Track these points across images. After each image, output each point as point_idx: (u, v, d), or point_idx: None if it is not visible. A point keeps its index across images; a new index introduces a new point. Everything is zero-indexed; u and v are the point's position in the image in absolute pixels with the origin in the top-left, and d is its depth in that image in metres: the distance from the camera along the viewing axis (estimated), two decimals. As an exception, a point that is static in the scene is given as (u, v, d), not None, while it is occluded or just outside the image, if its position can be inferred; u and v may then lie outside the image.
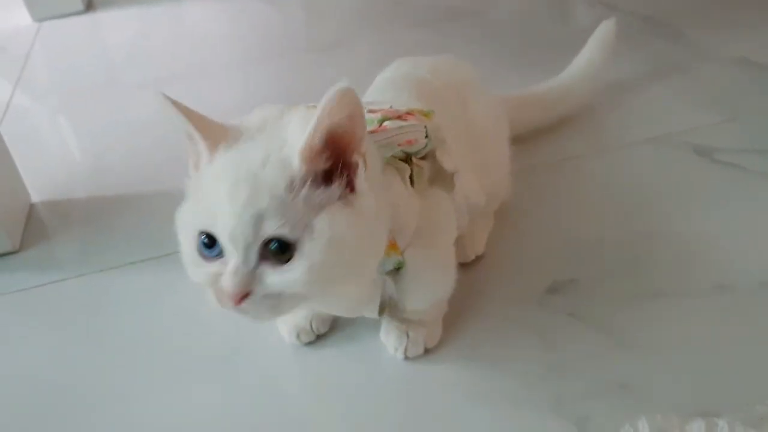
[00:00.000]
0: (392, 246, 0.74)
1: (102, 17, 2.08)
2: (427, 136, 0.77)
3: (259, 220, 0.62)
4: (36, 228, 1.17)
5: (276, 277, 0.64)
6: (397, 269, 0.76)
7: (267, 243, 0.63)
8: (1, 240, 1.10)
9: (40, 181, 1.28)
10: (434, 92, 0.91)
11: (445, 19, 1.69)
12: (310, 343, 0.87)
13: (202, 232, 0.66)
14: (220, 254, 0.65)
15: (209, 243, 0.65)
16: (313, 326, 0.86)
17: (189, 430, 0.80)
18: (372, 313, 0.80)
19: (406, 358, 0.83)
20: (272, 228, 0.62)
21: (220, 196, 0.64)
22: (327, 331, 0.88)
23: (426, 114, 0.81)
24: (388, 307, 0.81)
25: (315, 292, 0.66)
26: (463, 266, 0.90)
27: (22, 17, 2.05)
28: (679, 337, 0.83)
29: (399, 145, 0.75)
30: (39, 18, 2.04)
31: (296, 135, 0.65)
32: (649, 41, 1.52)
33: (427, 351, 0.84)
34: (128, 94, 1.58)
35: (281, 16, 1.90)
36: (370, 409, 0.79)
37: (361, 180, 0.66)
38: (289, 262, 0.64)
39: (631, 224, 1.01)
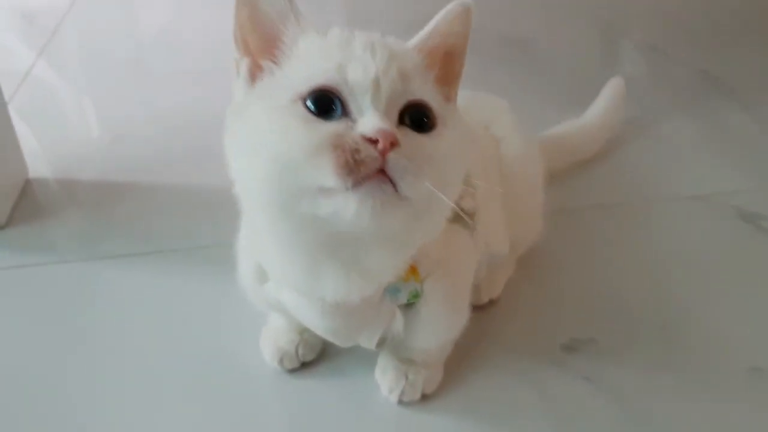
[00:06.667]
0: (413, 270, 0.67)
1: (138, -3, 2.03)
2: None
3: (405, 78, 0.58)
4: (29, 205, 1.10)
5: (423, 139, 0.58)
6: (410, 304, 0.70)
7: (405, 110, 0.58)
8: (-15, 211, 1.03)
9: (45, 157, 1.22)
10: None
11: (493, 46, 1.62)
12: (293, 371, 0.80)
13: (315, 90, 0.57)
14: (340, 116, 0.57)
15: (321, 105, 0.57)
16: (300, 352, 0.80)
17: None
18: (369, 342, 0.73)
19: (400, 402, 0.77)
20: (421, 92, 0.59)
21: (354, 50, 0.59)
22: (314, 359, 0.81)
23: None
24: (388, 342, 0.74)
25: (446, 177, 0.59)
26: (476, 309, 0.83)
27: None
28: (703, 419, 0.76)
29: None
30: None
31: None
32: (701, 95, 1.44)
33: (423, 397, 0.78)
34: (154, 82, 1.52)
35: (322, 20, 1.84)
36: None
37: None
38: (432, 131, 0.59)
39: (664, 286, 0.94)
